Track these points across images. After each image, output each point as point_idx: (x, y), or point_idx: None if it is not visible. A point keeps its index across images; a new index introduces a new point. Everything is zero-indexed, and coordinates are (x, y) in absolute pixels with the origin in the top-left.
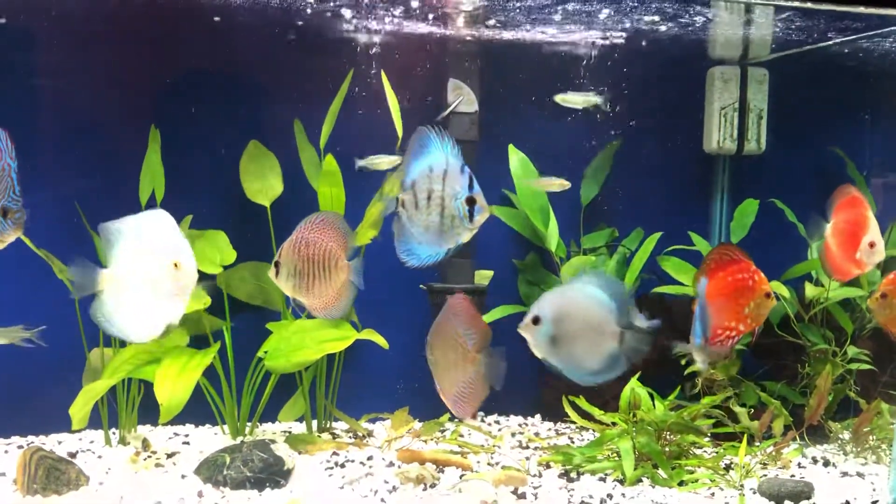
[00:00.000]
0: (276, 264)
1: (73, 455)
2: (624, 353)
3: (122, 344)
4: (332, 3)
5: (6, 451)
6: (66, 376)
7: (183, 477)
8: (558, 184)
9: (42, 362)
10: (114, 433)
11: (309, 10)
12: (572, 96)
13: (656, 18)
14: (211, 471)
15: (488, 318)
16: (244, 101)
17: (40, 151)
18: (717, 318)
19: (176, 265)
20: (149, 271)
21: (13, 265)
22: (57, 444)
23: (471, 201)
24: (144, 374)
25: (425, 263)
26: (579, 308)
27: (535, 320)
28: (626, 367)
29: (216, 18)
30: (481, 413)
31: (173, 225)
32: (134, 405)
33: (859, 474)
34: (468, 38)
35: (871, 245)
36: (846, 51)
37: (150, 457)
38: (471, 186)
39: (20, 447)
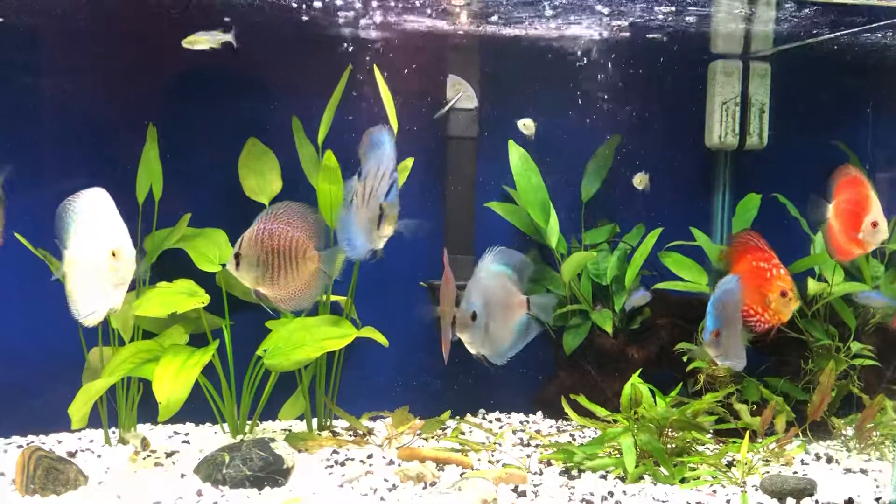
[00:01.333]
0: (237, 256)
1: (72, 454)
2: (534, 316)
3: (122, 343)
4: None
5: (6, 451)
6: (66, 376)
7: (182, 476)
8: (639, 179)
9: (41, 362)
10: (113, 432)
11: (307, 6)
12: (200, 36)
13: (666, 9)
14: (210, 469)
15: None
16: (242, 99)
17: (38, 150)
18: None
19: (114, 254)
20: (90, 256)
21: (11, 265)
22: (57, 443)
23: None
24: (143, 372)
25: (359, 256)
26: (496, 290)
27: (474, 316)
28: (538, 330)
29: (226, 19)
30: (482, 410)
31: (111, 208)
32: (133, 404)
33: (862, 471)
34: (467, 33)
35: (874, 224)
36: (848, 44)
37: (149, 456)
38: (388, 195)
39: (20, 447)
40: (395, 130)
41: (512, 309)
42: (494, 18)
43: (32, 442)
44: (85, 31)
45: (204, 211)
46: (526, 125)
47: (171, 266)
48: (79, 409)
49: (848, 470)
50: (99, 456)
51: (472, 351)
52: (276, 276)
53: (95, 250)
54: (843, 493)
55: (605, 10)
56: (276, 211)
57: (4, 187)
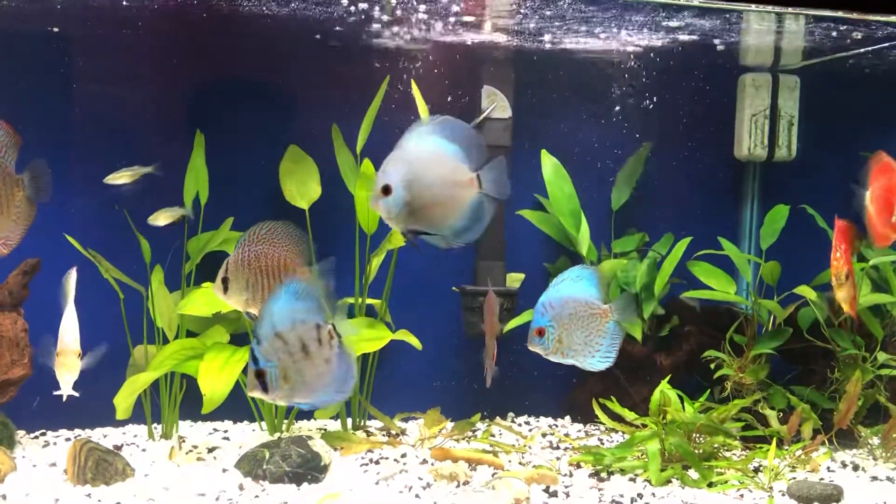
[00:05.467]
0: (225, 280)
1: (118, 448)
2: (486, 196)
3: (166, 341)
4: (367, 11)
5: (55, 443)
6: (111, 372)
7: (224, 471)
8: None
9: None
10: (156, 428)
11: (346, 18)
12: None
13: (697, 22)
14: (251, 465)
15: (518, 321)
16: (284, 107)
17: (89, 155)
18: None
19: (58, 354)
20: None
21: (61, 265)
22: (102, 437)
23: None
24: (187, 368)
25: None
26: (428, 163)
27: (386, 190)
28: (492, 214)
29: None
30: (511, 414)
31: (70, 302)
32: (176, 402)
33: (889, 479)
34: (502, 46)
35: None
36: (876, 58)
37: (191, 451)
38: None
39: (67, 440)
40: None
41: (458, 186)
42: (527, 29)
43: (79, 435)
44: (135, 42)
45: (246, 215)
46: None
47: (214, 268)
48: (124, 399)
49: (875, 478)
50: (143, 450)
51: (397, 227)
52: (267, 297)
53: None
54: (870, 500)
55: (638, 24)
56: (259, 232)
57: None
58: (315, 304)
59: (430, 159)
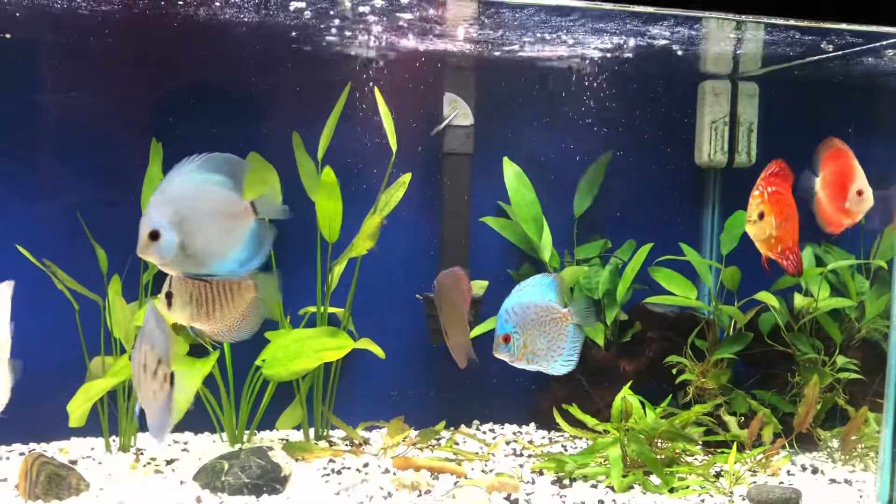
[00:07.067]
0: (169, 295)
1: (73, 462)
2: (263, 221)
3: (123, 352)
4: (327, 18)
5: (8, 458)
6: (68, 385)
7: (181, 483)
8: None
9: (44, 371)
10: (114, 440)
11: (307, 25)
12: None
13: (658, 31)
14: (209, 477)
15: (482, 328)
16: (244, 115)
17: (44, 164)
18: None
19: None
20: None
21: (13, 276)
22: (58, 451)
23: None
24: None
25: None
26: (196, 199)
27: (154, 235)
28: (273, 238)
29: (217, 34)
30: (476, 421)
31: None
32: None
33: (847, 481)
34: (464, 53)
35: (859, 193)
36: (832, 65)
37: (149, 463)
38: None
39: (21, 454)
40: (394, 148)
41: (232, 218)
42: (486, 38)
43: (34, 449)
44: (90, 49)
45: None
46: None
47: None
48: (78, 406)
49: (833, 480)
50: (100, 463)
51: (172, 272)
52: (212, 311)
53: None
54: (827, 502)
55: (600, 32)
56: None
57: None
58: (166, 343)
59: (197, 195)
